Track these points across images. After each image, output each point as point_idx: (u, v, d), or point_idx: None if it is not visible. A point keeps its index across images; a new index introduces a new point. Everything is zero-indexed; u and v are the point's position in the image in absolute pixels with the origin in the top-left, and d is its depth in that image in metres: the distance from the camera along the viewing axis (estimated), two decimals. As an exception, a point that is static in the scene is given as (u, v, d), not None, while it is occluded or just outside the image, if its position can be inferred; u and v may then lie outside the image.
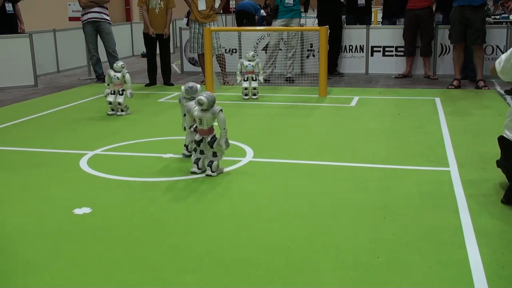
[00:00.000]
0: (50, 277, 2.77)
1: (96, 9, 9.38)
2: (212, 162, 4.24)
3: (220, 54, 8.99)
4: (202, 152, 4.29)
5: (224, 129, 4.18)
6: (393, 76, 9.42)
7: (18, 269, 2.87)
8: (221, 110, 4.17)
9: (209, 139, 4.20)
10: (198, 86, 4.52)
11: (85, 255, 3.01)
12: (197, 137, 4.23)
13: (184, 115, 4.67)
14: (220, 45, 9.00)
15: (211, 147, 4.21)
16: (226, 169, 4.41)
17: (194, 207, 3.69)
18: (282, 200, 3.79)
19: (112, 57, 9.40)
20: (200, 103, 4.11)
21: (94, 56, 9.60)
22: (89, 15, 9.38)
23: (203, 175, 4.29)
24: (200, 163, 4.30)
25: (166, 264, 2.89)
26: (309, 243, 3.11)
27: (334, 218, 3.46)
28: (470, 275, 2.72)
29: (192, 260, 2.93)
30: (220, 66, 9.01)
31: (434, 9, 9.44)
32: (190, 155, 4.63)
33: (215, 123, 4.24)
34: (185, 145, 4.83)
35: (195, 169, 4.31)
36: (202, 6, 8.77)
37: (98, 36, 9.58)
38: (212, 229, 3.34)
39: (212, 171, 4.23)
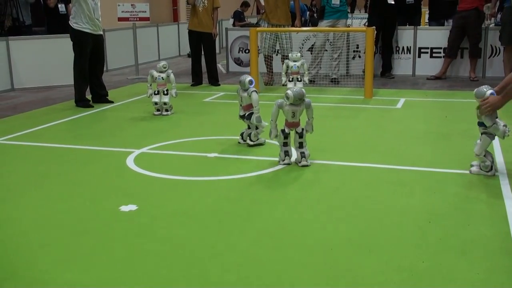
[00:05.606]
0: (96, 273, 2.83)
1: None
2: (303, 153, 4.53)
3: (285, 56, 9.04)
4: (286, 144, 4.56)
5: (312, 117, 4.55)
6: (426, 78, 9.25)
7: (64, 264, 2.94)
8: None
9: (300, 131, 4.51)
10: (247, 78, 5.05)
11: (131, 252, 3.07)
12: (287, 130, 4.52)
13: (241, 105, 5.15)
14: (291, 47, 9.00)
15: (301, 137, 4.51)
16: (266, 171, 4.44)
17: (238, 207, 3.72)
18: (325, 202, 3.78)
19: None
20: (287, 97, 4.40)
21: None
22: None
23: (251, 174, 4.35)
24: (288, 156, 4.58)
25: (209, 263, 2.92)
26: (352, 245, 3.10)
27: (378, 220, 3.43)
28: (518, 283, 2.65)
29: (235, 259, 2.95)
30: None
31: (496, 9, 9.20)
32: (245, 142, 5.19)
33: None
34: (241, 134, 5.26)
35: (287, 160, 4.58)
36: None
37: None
38: (254, 229, 3.36)
39: (306, 162, 4.52)
